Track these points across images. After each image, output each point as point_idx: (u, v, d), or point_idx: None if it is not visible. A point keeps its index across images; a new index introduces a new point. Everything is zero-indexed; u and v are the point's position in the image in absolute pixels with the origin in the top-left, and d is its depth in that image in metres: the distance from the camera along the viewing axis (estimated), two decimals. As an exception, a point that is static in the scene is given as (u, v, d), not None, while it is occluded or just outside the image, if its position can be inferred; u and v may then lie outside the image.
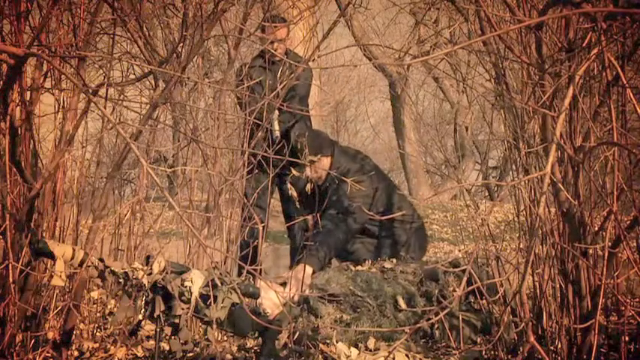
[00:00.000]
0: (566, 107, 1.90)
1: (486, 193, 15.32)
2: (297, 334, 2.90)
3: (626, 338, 2.44)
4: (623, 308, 2.43)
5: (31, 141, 2.58)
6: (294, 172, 4.14)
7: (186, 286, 2.57)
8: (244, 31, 3.66)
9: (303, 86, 4.70)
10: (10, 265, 2.39)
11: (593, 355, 2.18)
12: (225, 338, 3.14)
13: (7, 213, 2.46)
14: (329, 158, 4.07)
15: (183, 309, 2.54)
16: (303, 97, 4.81)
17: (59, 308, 2.79)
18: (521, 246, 2.73)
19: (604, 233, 2.34)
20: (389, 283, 3.34)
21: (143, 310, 2.55)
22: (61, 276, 2.39)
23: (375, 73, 17.28)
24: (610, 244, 2.26)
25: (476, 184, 11.23)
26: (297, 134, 4.28)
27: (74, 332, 2.79)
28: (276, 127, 4.63)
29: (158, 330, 2.56)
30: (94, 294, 3.25)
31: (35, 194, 2.47)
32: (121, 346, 2.92)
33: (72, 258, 2.44)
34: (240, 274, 3.56)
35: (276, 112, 4.33)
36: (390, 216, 3.97)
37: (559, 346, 2.49)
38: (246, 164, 3.45)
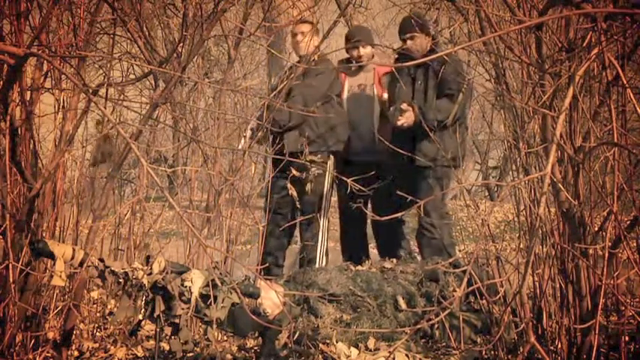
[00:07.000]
0: (566, 107, 1.90)
1: (486, 193, 15.31)
2: (297, 334, 2.90)
3: (626, 338, 2.44)
4: (623, 308, 2.43)
5: (31, 141, 2.57)
6: (294, 172, 4.14)
7: (186, 286, 2.57)
8: (244, 31, 3.66)
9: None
10: (10, 265, 2.39)
11: (593, 355, 2.18)
12: (225, 338, 3.15)
13: (7, 213, 2.46)
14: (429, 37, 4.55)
15: (183, 309, 2.55)
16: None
17: (59, 308, 2.79)
18: (521, 246, 2.73)
19: (604, 233, 2.34)
20: (389, 283, 3.33)
21: (143, 310, 2.55)
22: (61, 276, 2.39)
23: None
24: (610, 244, 2.26)
25: (476, 184, 11.22)
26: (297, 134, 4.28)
27: (74, 332, 2.79)
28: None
29: (158, 330, 2.57)
30: (94, 294, 3.25)
31: (35, 194, 2.47)
32: (121, 346, 2.92)
33: (72, 258, 2.44)
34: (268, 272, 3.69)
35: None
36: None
37: (559, 346, 2.49)
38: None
